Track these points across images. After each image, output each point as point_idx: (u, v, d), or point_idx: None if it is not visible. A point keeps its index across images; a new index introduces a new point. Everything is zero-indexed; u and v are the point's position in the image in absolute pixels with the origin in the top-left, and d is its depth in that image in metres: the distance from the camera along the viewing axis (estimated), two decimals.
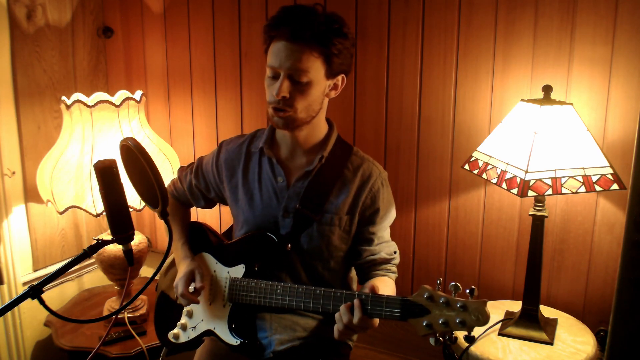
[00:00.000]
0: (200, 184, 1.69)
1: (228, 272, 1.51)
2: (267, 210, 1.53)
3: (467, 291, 1.16)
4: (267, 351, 1.52)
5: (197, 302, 1.52)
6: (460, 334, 1.20)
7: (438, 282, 1.21)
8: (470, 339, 1.17)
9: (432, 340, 1.19)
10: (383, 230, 1.55)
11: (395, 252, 1.57)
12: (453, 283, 1.17)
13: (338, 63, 1.41)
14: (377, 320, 1.30)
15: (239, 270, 1.50)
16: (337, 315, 1.29)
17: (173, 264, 1.69)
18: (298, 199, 1.49)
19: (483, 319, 1.14)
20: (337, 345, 1.60)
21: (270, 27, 1.39)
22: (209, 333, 1.54)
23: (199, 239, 1.65)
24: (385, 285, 1.47)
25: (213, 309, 1.53)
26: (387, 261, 1.54)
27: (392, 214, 1.58)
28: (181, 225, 1.70)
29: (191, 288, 1.51)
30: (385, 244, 1.55)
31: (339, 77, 1.46)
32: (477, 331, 1.63)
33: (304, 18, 1.35)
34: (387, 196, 1.54)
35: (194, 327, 1.56)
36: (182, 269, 1.54)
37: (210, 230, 1.67)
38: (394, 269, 1.57)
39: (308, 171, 1.49)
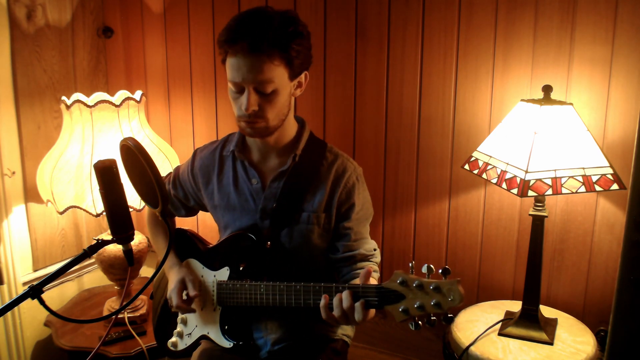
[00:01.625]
0: (179, 193, 1.69)
1: (214, 276, 1.51)
2: (245, 213, 1.53)
3: (440, 271, 1.15)
4: (263, 351, 1.53)
5: (194, 311, 1.51)
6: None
7: (410, 265, 1.20)
8: (449, 320, 1.17)
9: (411, 325, 1.18)
10: (360, 227, 1.53)
11: (375, 250, 1.55)
12: (426, 265, 1.17)
13: (299, 64, 1.38)
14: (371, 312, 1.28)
15: (224, 273, 1.50)
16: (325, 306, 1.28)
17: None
18: (275, 200, 1.49)
19: (458, 298, 1.14)
20: (333, 342, 1.60)
21: (226, 43, 1.32)
22: (204, 338, 1.54)
23: (184, 246, 1.65)
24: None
25: (205, 314, 1.53)
26: (366, 258, 1.51)
27: (369, 211, 1.56)
28: (164, 234, 1.71)
29: (184, 296, 1.51)
30: (363, 241, 1.53)
31: (302, 75, 1.43)
32: (477, 331, 1.64)
33: (259, 27, 1.31)
34: (363, 192, 1.53)
35: (190, 334, 1.57)
36: (172, 277, 1.54)
37: (195, 236, 1.67)
38: (375, 267, 1.54)
39: (282, 171, 1.49)
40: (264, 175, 1.52)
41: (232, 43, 1.32)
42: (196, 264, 1.58)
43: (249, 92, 1.34)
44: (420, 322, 1.18)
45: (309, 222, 1.48)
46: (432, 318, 1.17)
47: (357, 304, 1.23)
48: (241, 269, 1.48)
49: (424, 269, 1.17)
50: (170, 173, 1.75)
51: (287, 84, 1.39)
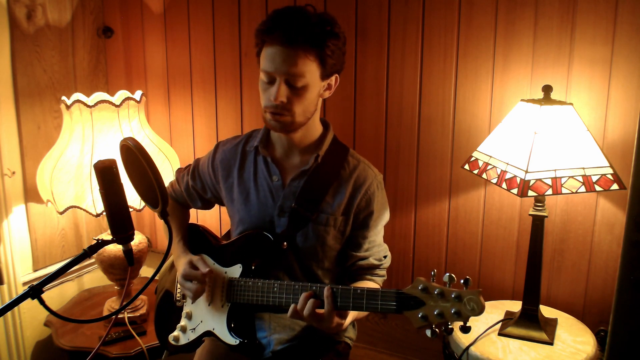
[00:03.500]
0: (197, 184, 1.70)
1: (225, 273, 1.51)
2: (262, 209, 1.53)
3: (462, 281, 1.16)
4: (267, 351, 1.53)
5: (204, 287, 1.50)
6: (457, 325, 1.20)
7: (432, 273, 1.21)
8: (466, 329, 1.17)
9: (428, 332, 1.19)
10: (376, 235, 1.55)
11: (385, 257, 1.57)
12: (447, 274, 1.17)
13: (332, 64, 1.40)
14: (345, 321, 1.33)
15: (236, 270, 1.50)
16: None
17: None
18: (294, 198, 1.49)
19: (478, 309, 1.14)
20: (336, 344, 1.60)
21: (263, 32, 1.37)
22: (208, 334, 1.54)
23: (196, 241, 1.65)
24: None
25: (212, 309, 1.53)
26: (375, 267, 1.55)
27: (386, 217, 1.58)
28: (179, 224, 1.71)
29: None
30: (376, 248, 1.55)
31: (333, 77, 1.45)
32: (477, 331, 1.63)
33: (297, 21, 1.34)
34: (381, 199, 1.55)
35: (194, 329, 1.56)
36: (182, 262, 1.54)
37: (207, 232, 1.68)
38: (383, 272, 1.57)
39: (304, 170, 1.50)
40: (285, 173, 1.53)
41: (268, 32, 1.35)
42: (207, 260, 1.58)
43: (279, 83, 1.36)
44: (437, 330, 1.18)
45: (326, 224, 1.49)
46: (449, 326, 1.18)
47: (309, 302, 1.28)
48: (253, 267, 1.48)
49: (446, 278, 1.18)
50: (189, 164, 1.76)
51: (318, 82, 1.41)
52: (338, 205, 1.49)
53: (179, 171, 1.79)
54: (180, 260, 1.56)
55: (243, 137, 1.64)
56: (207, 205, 1.76)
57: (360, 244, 1.53)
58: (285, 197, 1.50)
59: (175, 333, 1.60)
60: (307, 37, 1.33)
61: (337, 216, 1.49)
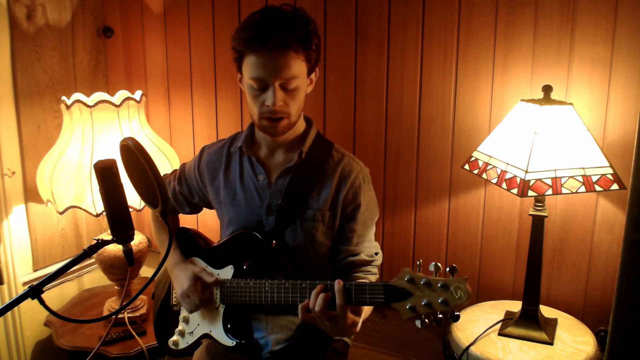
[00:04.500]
0: (184, 190, 1.70)
1: (218, 275, 1.52)
2: (250, 210, 1.53)
3: (448, 269, 1.16)
4: (265, 351, 1.53)
5: (212, 302, 1.51)
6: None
7: (418, 263, 1.21)
8: (455, 318, 1.17)
9: (418, 323, 1.18)
10: (365, 229, 1.53)
11: (376, 254, 1.56)
12: (433, 263, 1.17)
13: (315, 60, 1.43)
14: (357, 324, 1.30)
15: (227, 272, 1.50)
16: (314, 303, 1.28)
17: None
18: (280, 196, 1.49)
19: (465, 296, 1.14)
20: (335, 343, 1.60)
21: (255, 41, 1.34)
22: (206, 336, 1.54)
23: (187, 244, 1.65)
24: None
25: (207, 312, 1.53)
26: (367, 263, 1.53)
27: (375, 212, 1.57)
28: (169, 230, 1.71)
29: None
30: (366, 243, 1.53)
31: (314, 72, 1.47)
32: (477, 331, 1.64)
33: (286, 25, 1.34)
34: (369, 193, 1.54)
35: (192, 332, 1.57)
36: (181, 275, 1.53)
37: (198, 235, 1.68)
38: (375, 270, 1.55)
39: (288, 168, 1.50)
40: (270, 172, 1.53)
41: (261, 40, 1.33)
42: (199, 263, 1.58)
43: (275, 89, 1.36)
44: (426, 320, 1.18)
45: (314, 220, 1.48)
46: (438, 316, 1.17)
47: (320, 296, 1.25)
48: (245, 267, 1.48)
49: (432, 267, 1.18)
50: (175, 170, 1.76)
51: (306, 80, 1.43)
52: (324, 200, 1.48)
53: (164, 177, 1.79)
54: (176, 270, 1.56)
55: (227, 139, 1.64)
56: (195, 210, 1.76)
57: (349, 238, 1.51)
58: (272, 196, 1.50)
59: (175, 338, 1.60)
60: (298, 39, 1.34)
61: (324, 211, 1.49)
